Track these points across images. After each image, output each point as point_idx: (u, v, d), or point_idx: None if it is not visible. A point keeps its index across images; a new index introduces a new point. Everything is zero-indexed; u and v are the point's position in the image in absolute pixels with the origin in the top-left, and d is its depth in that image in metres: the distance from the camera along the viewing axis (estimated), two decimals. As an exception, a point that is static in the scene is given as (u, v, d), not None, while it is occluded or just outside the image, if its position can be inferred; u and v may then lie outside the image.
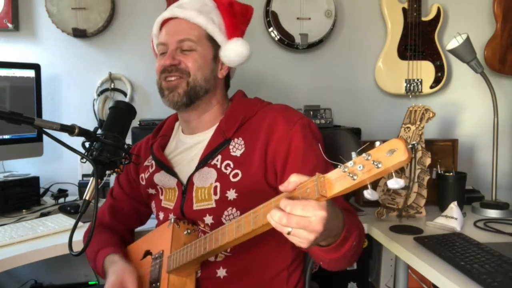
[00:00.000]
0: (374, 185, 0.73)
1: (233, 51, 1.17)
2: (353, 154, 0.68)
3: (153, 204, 1.27)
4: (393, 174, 0.66)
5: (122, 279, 1.07)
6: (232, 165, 1.10)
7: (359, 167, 0.66)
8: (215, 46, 1.18)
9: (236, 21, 1.20)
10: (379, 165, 0.64)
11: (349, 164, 0.67)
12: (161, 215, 1.22)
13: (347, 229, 0.84)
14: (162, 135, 1.28)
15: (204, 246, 0.96)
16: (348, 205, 1.09)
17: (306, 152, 1.07)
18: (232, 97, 1.25)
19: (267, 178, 1.09)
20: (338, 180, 0.69)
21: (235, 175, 1.09)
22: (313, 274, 1.24)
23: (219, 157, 1.12)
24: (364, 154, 0.66)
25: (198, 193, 1.12)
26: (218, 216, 1.10)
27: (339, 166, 0.69)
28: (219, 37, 1.17)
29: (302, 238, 0.74)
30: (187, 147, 1.21)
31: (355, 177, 0.67)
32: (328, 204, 0.74)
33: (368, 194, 0.69)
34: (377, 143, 0.65)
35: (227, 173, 1.10)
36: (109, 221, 1.30)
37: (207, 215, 1.11)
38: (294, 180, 0.75)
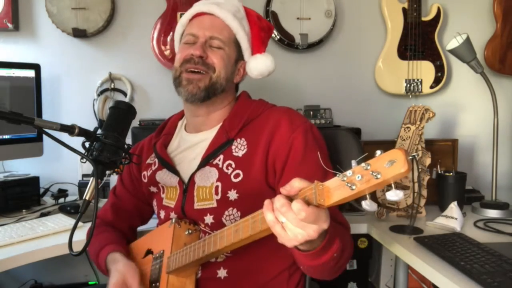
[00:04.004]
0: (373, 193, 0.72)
1: (265, 65, 1.22)
2: (353, 163, 0.66)
3: (154, 203, 1.27)
4: (393, 185, 0.64)
5: (125, 277, 1.07)
6: (233, 165, 1.10)
7: (358, 177, 0.64)
8: (239, 52, 1.21)
9: (264, 35, 1.25)
10: (378, 176, 0.62)
11: (348, 173, 0.66)
12: (162, 214, 1.22)
13: (328, 239, 0.82)
14: (166, 133, 1.29)
15: (203, 249, 0.97)
16: (342, 217, 1.09)
17: (305, 156, 1.07)
18: (237, 98, 1.26)
19: (267, 180, 1.09)
20: (337, 190, 0.68)
21: (236, 176, 1.10)
22: (313, 274, 1.24)
23: (221, 156, 1.12)
24: (363, 164, 0.64)
25: (199, 192, 1.13)
26: (218, 216, 1.11)
27: (337, 175, 0.68)
28: (245, 45, 1.21)
29: (291, 234, 0.74)
30: (190, 145, 1.21)
31: (353, 187, 0.65)
32: (328, 215, 0.74)
33: (367, 205, 0.67)
34: (378, 152, 0.64)
35: (229, 173, 1.10)
36: (111, 219, 1.30)
37: (208, 214, 1.11)
38: (297, 185, 0.75)
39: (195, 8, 1.21)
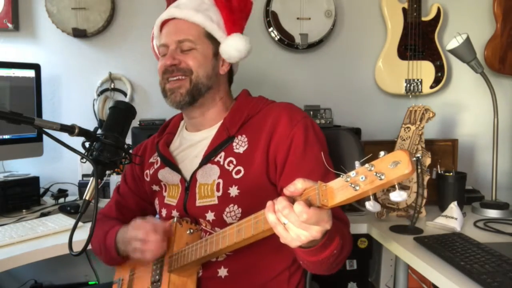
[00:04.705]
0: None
1: (232, 46, 1.17)
2: (357, 164, 0.67)
3: (156, 201, 1.27)
4: (396, 186, 0.64)
5: (144, 220, 1.08)
6: (235, 162, 1.11)
7: (362, 178, 0.65)
8: (215, 43, 1.19)
9: (235, 17, 1.20)
10: (382, 177, 0.62)
11: (352, 174, 0.66)
12: (164, 212, 1.22)
13: (328, 236, 0.82)
14: (168, 132, 1.30)
15: (205, 249, 0.97)
16: (342, 213, 1.09)
17: (305, 151, 1.07)
18: (237, 96, 1.26)
19: (269, 175, 1.10)
20: (340, 190, 0.69)
21: (238, 172, 1.10)
22: (313, 274, 1.24)
23: (222, 154, 1.13)
24: (367, 165, 0.65)
25: (201, 190, 1.13)
26: (219, 212, 1.11)
27: (341, 176, 0.68)
28: (218, 34, 1.18)
29: (294, 234, 0.75)
30: (191, 144, 1.22)
31: (357, 188, 0.65)
32: (330, 215, 0.74)
33: (370, 205, 0.68)
34: (381, 154, 0.64)
35: (230, 170, 1.11)
36: (115, 216, 1.30)
37: (209, 211, 1.12)
38: (300, 186, 0.75)
39: (160, 18, 1.21)
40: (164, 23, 1.21)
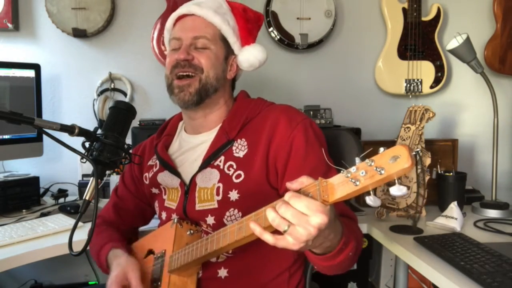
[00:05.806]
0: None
1: (253, 56, 1.20)
2: (357, 160, 0.67)
3: (156, 204, 1.27)
4: (396, 181, 0.65)
5: (126, 270, 1.07)
6: (235, 166, 1.10)
7: (362, 173, 0.65)
8: (227, 47, 1.20)
9: (251, 27, 1.23)
10: (382, 172, 0.63)
11: (352, 169, 0.67)
12: (164, 215, 1.22)
13: (344, 241, 0.83)
14: (167, 134, 1.29)
15: (205, 247, 0.97)
16: (349, 210, 1.08)
17: (307, 153, 1.07)
18: (235, 98, 1.25)
19: (269, 179, 1.09)
20: (341, 186, 0.69)
21: (238, 176, 1.09)
22: (313, 274, 1.24)
23: (222, 158, 1.12)
24: (367, 160, 0.65)
25: (201, 194, 1.12)
26: (220, 216, 1.11)
27: (341, 171, 0.69)
28: (232, 39, 1.19)
29: (294, 237, 0.73)
30: (191, 147, 1.21)
31: (357, 183, 0.66)
32: (330, 211, 0.74)
33: (370, 200, 0.68)
34: (381, 149, 0.65)
35: (230, 174, 1.10)
36: (113, 219, 1.31)
37: (209, 215, 1.11)
38: (301, 180, 0.75)
39: (177, 12, 1.20)
40: (179, 18, 1.20)
